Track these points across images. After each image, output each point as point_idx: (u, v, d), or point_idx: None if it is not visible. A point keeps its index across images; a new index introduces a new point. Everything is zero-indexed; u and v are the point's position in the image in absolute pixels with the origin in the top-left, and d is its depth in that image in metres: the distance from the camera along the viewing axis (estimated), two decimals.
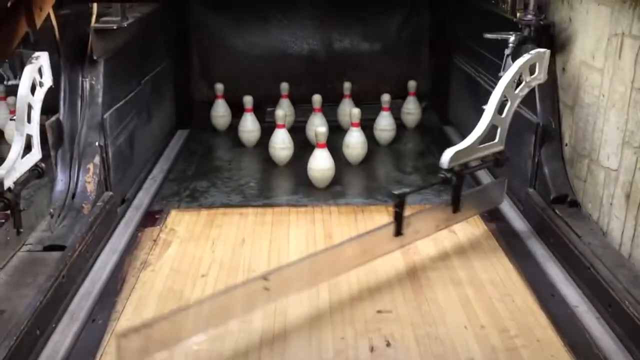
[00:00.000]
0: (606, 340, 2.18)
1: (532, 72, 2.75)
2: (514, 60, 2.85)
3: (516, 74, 2.68)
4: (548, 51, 2.77)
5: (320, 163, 3.50)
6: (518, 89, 2.74)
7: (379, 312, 2.32)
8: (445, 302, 2.38)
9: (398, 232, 2.49)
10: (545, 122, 3.03)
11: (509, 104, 2.69)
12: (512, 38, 2.99)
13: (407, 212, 2.51)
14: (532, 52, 2.74)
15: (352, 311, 2.33)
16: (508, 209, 3.19)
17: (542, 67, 2.76)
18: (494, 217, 3.14)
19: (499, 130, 2.70)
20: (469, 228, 2.99)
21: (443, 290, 2.46)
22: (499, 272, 2.60)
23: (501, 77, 2.77)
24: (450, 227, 2.97)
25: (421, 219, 2.64)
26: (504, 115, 2.69)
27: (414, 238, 2.64)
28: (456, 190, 2.63)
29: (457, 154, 2.56)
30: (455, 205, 2.69)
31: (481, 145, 2.66)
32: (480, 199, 2.95)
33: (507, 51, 2.99)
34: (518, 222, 3.04)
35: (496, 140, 2.70)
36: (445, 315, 2.30)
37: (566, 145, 3.02)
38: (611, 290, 2.25)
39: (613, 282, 2.28)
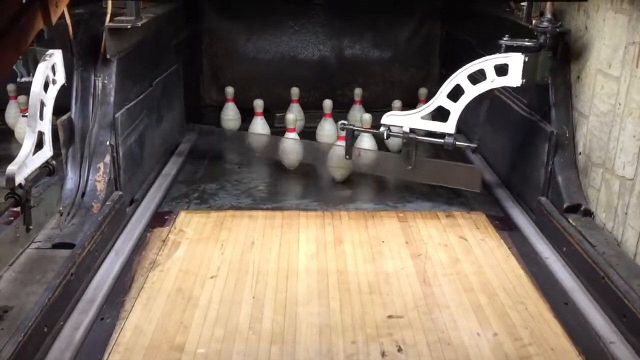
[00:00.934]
0: (621, 350, 2.14)
1: (502, 73, 2.89)
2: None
3: (472, 68, 2.91)
4: (521, 56, 2.82)
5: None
6: (478, 84, 2.91)
7: (390, 317, 2.29)
8: (457, 309, 2.35)
9: (345, 155, 3.39)
10: (559, 130, 3.00)
11: (464, 94, 2.96)
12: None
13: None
14: (502, 54, 2.83)
15: (363, 315, 2.30)
16: (520, 216, 3.16)
17: (515, 71, 2.82)
18: (505, 224, 3.11)
19: (450, 115, 3.01)
20: (479, 235, 2.97)
21: (455, 297, 2.43)
22: (511, 279, 2.57)
23: None
24: (461, 235, 2.96)
25: (371, 157, 3.49)
26: (457, 102, 2.98)
27: (363, 167, 3.51)
28: (406, 147, 3.22)
29: (392, 116, 3.19)
30: (409, 162, 3.24)
31: (427, 121, 3.12)
32: (446, 174, 3.37)
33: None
34: (530, 230, 3.01)
35: (446, 123, 3.05)
36: (457, 322, 2.27)
37: (580, 154, 2.99)
38: (626, 300, 2.22)
39: (628, 292, 2.24)
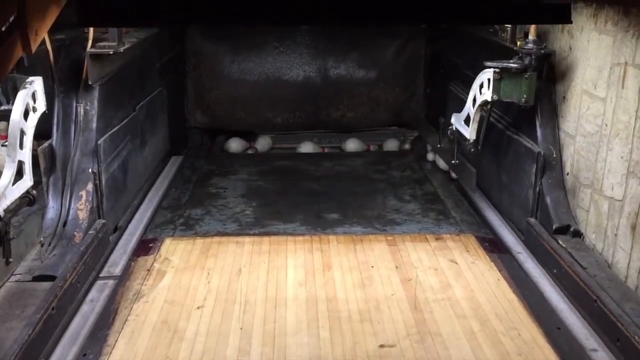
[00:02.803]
0: None
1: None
2: None
3: (480, 79, 3.12)
4: (491, 72, 2.96)
5: None
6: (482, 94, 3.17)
7: (381, 346, 2.24)
8: (450, 336, 2.31)
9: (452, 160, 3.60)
10: (546, 151, 3.00)
11: (475, 102, 3.22)
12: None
13: None
14: (489, 69, 3.02)
15: (354, 345, 2.25)
16: (509, 238, 3.13)
17: (489, 85, 3.01)
18: (495, 246, 3.09)
19: (470, 121, 3.26)
20: (469, 258, 2.94)
21: (447, 323, 2.39)
22: (503, 304, 2.53)
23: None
24: (451, 258, 2.93)
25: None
26: (474, 109, 3.26)
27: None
28: (453, 144, 3.54)
29: (454, 116, 3.49)
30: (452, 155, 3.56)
31: (464, 125, 3.36)
32: (462, 171, 3.70)
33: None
34: (520, 252, 2.98)
35: (468, 128, 3.30)
36: (450, 350, 2.22)
37: (567, 174, 2.99)
38: (619, 324, 2.19)
39: (621, 316, 2.22)
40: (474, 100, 3.22)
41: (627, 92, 2.50)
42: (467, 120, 3.33)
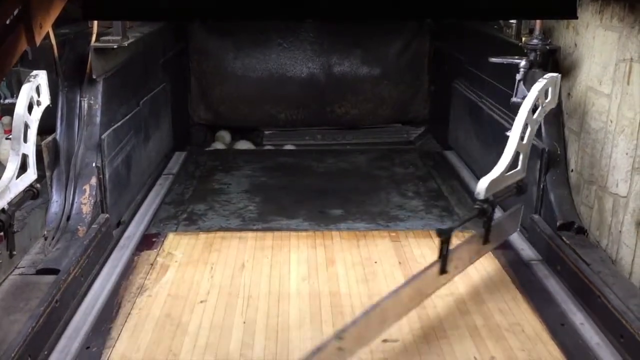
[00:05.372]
0: None
1: (545, 96, 2.66)
2: (525, 85, 2.84)
3: (535, 100, 2.55)
4: (559, 76, 2.68)
5: None
6: (536, 114, 2.60)
7: (384, 341, 2.24)
8: (453, 331, 2.30)
9: (443, 270, 2.29)
10: (550, 147, 2.99)
11: (529, 130, 2.54)
12: (522, 63, 2.95)
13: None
14: (547, 76, 2.62)
15: None
16: (513, 234, 3.12)
17: (554, 92, 2.64)
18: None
19: (520, 157, 2.54)
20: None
21: (451, 319, 2.38)
22: (507, 300, 2.53)
23: (514, 102, 2.81)
24: None
25: (458, 253, 2.39)
26: (524, 141, 2.53)
27: (454, 274, 2.39)
28: (488, 221, 2.41)
29: (492, 183, 2.34)
30: (486, 237, 2.50)
31: (508, 174, 2.46)
32: (501, 229, 2.72)
33: (518, 76, 2.96)
34: (524, 249, 2.97)
35: (518, 167, 2.53)
36: (454, 345, 2.22)
37: (572, 171, 2.98)
38: (624, 320, 2.19)
39: (625, 312, 2.21)
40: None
41: (632, 88, 2.49)
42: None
